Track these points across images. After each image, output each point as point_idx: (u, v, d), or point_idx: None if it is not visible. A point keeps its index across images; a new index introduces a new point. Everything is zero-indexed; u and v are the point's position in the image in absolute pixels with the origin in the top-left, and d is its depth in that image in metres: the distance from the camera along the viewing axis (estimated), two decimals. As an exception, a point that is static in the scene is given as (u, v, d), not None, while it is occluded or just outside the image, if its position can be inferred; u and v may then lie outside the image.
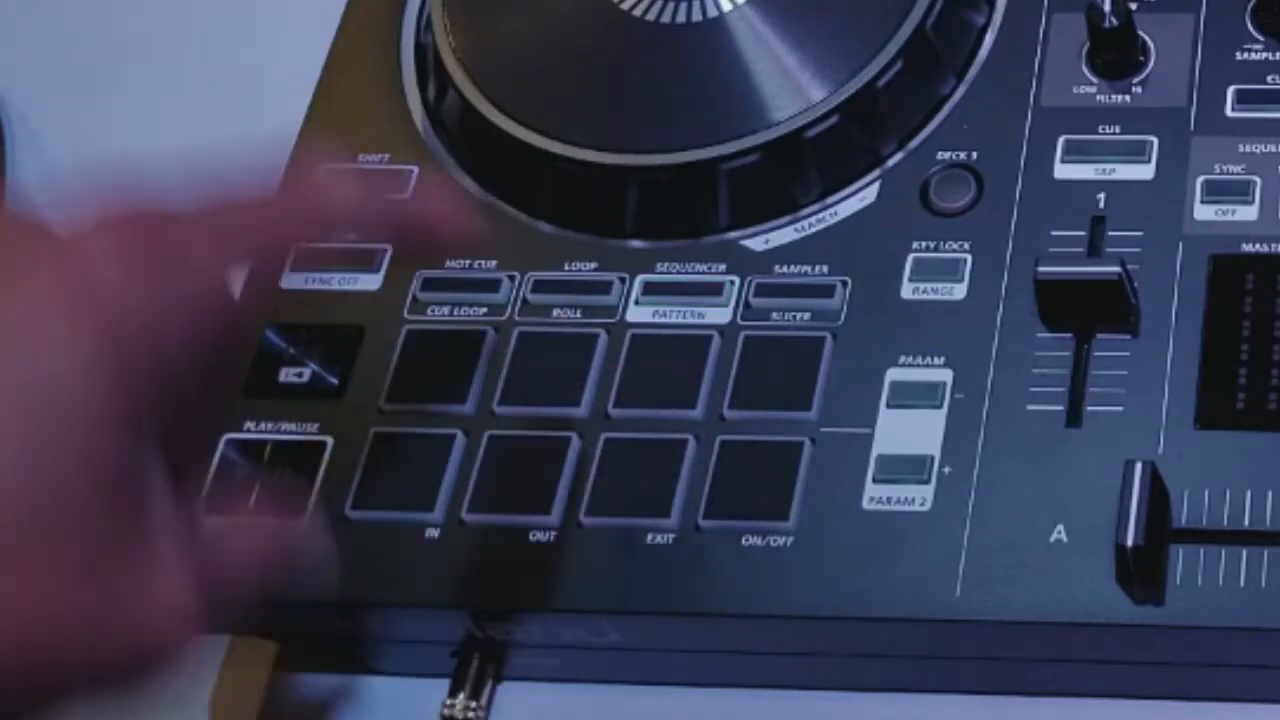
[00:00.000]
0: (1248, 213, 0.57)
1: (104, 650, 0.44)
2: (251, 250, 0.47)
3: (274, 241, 0.48)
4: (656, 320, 0.58)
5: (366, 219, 0.50)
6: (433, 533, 0.55)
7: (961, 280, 0.57)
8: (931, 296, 0.57)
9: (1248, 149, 0.58)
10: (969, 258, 0.57)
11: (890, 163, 0.60)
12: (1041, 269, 0.55)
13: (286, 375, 0.58)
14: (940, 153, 0.59)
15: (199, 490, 0.52)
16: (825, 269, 0.58)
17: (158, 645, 0.45)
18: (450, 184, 0.60)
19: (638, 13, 0.61)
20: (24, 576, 0.42)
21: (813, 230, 0.59)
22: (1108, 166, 0.58)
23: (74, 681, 0.44)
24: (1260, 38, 0.60)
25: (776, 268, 0.58)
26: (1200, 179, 0.58)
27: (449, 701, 0.57)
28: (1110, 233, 0.57)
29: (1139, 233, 0.57)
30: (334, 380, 0.58)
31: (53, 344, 0.42)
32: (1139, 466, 0.51)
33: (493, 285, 0.59)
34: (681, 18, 0.61)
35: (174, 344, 0.44)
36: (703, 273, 0.58)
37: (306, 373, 0.58)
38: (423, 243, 0.51)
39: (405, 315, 0.59)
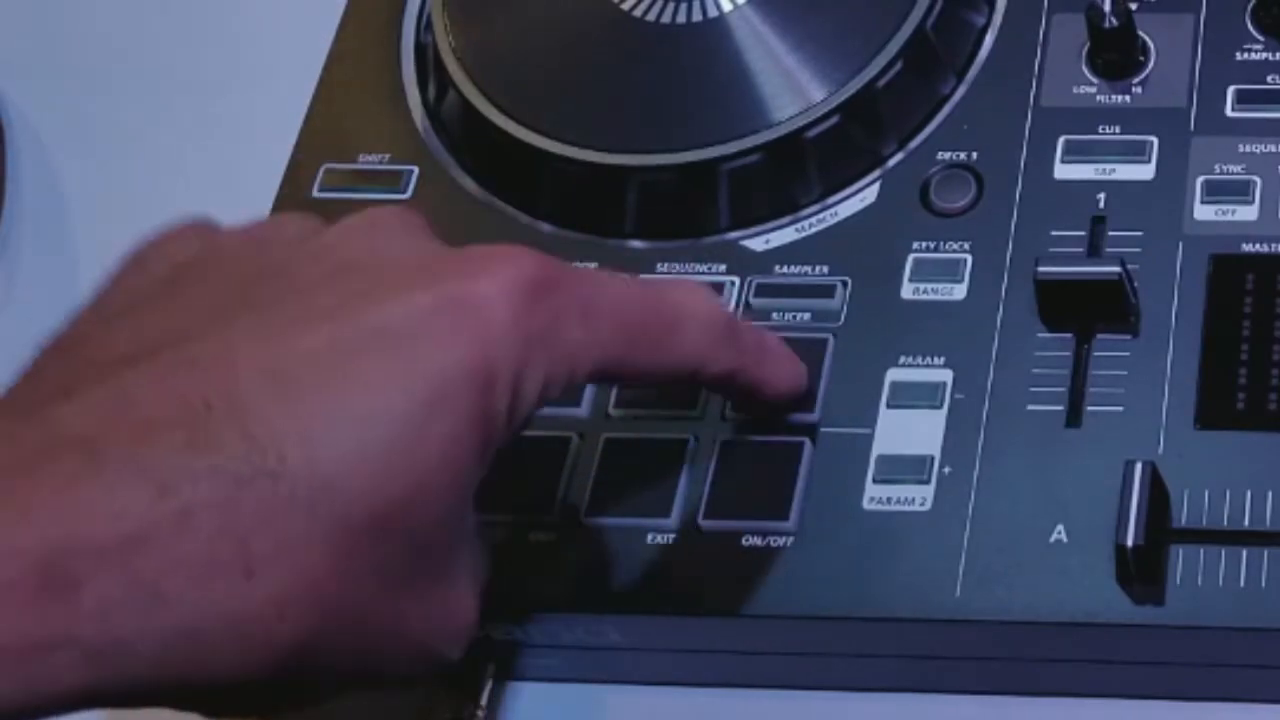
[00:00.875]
0: (1248, 213, 0.57)
1: (392, 656, 0.44)
2: (606, 361, 0.46)
3: (625, 360, 0.47)
4: (657, 320, 0.58)
5: (717, 375, 0.50)
6: (433, 533, 0.55)
7: (961, 280, 0.57)
8: (931, 297, 0.57)
9: (1248, 149, 0.58)
10: (969, 258, 0.57)
11: (890, 163, 0.60)
12: (1041, 269, 0.55)
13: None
14: (940, 153, 0.59)
15: None
16: (825, 269, 0.58)
17: (438, 660, 0.45)
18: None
19: (638, 13, 0.61)
20: (348, 565, 0.41)
21: (813, 230, 0.59)
22: (1108, 166, 0.58)
23: (340, 679, 0.43)
24: (1260, 38, 0.60)
25: (776, 268, 0.58)
26: (1200, 179, 0.58)
27: (450, 702, 0.57)
28: (1110, 233, 0.57)
29: (1139, 233, 0.57)
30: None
31: (436, 352, 0.42)
32: (1139, 466, 0.51)
33: (493, 285, 0.59)
34: (681, 18, 0.61)
35: (525, 407, 0.44)
36: (703, 273, 0.58)
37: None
38: (754, 401, 0.53)
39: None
